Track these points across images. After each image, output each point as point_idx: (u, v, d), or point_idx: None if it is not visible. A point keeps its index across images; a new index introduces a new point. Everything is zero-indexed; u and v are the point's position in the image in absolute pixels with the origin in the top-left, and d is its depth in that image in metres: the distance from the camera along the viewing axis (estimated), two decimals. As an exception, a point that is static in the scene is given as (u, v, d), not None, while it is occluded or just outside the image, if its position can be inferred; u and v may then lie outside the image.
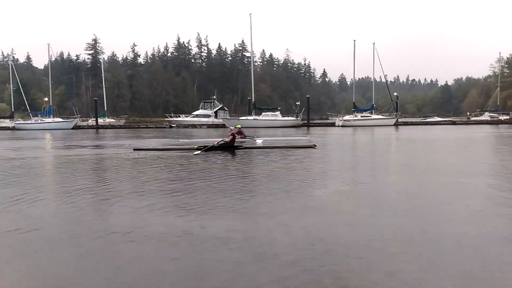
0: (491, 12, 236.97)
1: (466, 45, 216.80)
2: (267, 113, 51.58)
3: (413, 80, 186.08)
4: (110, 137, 30.25)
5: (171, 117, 55.72)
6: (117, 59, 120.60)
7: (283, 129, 40.67)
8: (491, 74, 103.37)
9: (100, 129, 48.10)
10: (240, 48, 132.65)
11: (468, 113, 63.45)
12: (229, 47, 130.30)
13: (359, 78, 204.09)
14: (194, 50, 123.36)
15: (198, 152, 14.46)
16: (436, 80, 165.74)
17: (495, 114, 58.90)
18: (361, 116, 51.47)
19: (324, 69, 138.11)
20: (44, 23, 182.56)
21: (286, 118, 51.35)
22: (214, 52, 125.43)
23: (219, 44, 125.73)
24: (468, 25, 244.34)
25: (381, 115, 53.06)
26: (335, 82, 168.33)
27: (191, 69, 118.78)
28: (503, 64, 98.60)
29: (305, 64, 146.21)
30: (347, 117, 51.62)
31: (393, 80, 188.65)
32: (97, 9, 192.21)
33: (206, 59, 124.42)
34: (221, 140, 16.11)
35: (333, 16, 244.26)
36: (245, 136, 19.68)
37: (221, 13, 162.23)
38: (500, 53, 63.45)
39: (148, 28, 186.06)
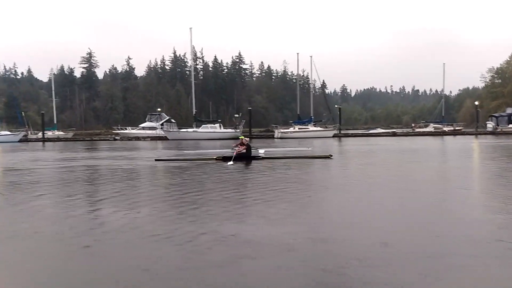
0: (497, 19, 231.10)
1: (474, 53, 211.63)
2: (206, 125, 53.41)
3: (417, 90, 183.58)
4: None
5: (118, 129, 58.29)
6: (118, 72, 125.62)
7: (223, 141, 41.48)
8: (487, 84, 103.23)
9: (47, 142, 50.86)
10: (237, 60, 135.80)
11: (413, 124, 63.44)
12: (225, 60, 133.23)
13: (364, 89, 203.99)
14: (190, 62, 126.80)
15: (231, 162, 15.22)
16: (442, 90, 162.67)
17: (439, 125, 58.80)
18: (299, 128, 52.58)
19: (323, 80, 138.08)
20: (46, 36, 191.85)
21: (225, 130, 52.99)
22: (210, 64, 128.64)
23: (215, 56, 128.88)
24: (476, 31, 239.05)
25: (321, 127, 53.99)
26: (338, 93, 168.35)
27: (186, 81, 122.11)
28: (493, 74, 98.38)
29: (303, 75, 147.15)
30: (285, 130, 52.87)
31: (398, 91, 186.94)
32: (98, 24, 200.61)
33: (201, 71, 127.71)
34: (233, 151, 16.73)
35: (338, 25, 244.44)
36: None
37: (217, 26, 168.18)
38: (444, 63, 64.90)
39: (146, 41, 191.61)
